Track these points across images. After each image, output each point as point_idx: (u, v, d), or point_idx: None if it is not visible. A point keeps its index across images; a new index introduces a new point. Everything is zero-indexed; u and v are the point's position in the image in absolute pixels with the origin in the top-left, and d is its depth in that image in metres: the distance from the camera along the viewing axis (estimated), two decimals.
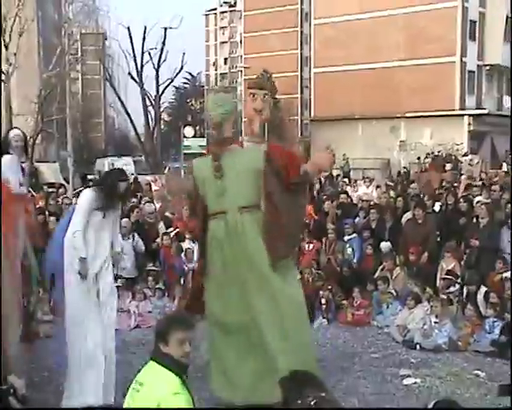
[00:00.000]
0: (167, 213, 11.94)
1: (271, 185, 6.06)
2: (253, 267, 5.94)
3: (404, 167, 28.19)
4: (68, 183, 25.86)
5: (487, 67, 40.81)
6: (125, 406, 3.70)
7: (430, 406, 3.07)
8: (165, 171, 31.61)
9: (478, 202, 11.40)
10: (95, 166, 41.92)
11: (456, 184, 15.76)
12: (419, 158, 29.87)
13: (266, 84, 6.66)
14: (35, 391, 6.07)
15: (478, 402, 6.36)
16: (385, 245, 10.81)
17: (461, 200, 11.52)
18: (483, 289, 9.19)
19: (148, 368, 3.79)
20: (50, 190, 17.17)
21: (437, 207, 11.98)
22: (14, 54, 29.80)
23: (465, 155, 30.02)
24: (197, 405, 3.79)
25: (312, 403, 2.79)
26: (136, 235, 10.40)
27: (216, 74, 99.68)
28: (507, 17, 39.11)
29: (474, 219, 10.63)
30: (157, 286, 9.97)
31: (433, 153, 29.68)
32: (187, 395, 3.66)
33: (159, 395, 3.57)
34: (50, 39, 46.15)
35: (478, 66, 40.18)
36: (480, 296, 9.04)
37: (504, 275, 9.35)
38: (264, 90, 6.54)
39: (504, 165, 25.25)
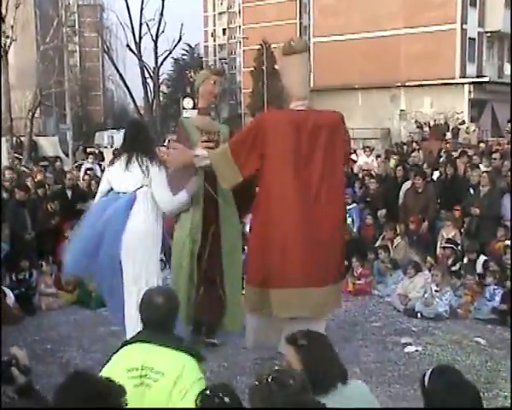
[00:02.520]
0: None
1: None
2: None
3: (410, 135, 27.86)
4: (68, 156, 25.82)
5: (488, 34, 40.48)
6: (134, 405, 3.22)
7: (428, 372, 3.08)
8: (165, 142, 31.54)
9: (482, 170, 11.38)
10: (94, 139, 41.86)
11: (455, 153, 15.72)
12: (419, 126, 29.76)
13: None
14: (38, 364, 6.12)
15: (479, 369, 6.40)
16: (380, 213, 10.84)
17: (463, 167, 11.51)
18: (482, 257, 9.23)
19: (153, 353, 3.51)
20: (42, 163, 17.19)
21: (435, 175, 11.98)
22: (11, 26, 29.55)
23: (462, 123, 29.89)
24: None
25: (270, 381, 2.78)
26: None
27: (214, 45, 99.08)
28: None
29: (474, 188, 10.62)
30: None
31: (431, 122, 29.55)
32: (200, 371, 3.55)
33: (188, 383, 3.37)
34: (47, 11, 45.66)
35: (478, 33, 39.84)
36: (478, 265, 9.09)
37: (506, 243, 9.37)
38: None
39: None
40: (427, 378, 3.07)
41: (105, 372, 3.39)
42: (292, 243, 5.77)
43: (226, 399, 2.91)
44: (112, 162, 6.26)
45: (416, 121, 29.60)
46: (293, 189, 5.79)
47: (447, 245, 9.73)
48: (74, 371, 2.86)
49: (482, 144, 17.07)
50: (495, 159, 12.07)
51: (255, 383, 2.83)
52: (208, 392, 2.96)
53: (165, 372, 3.39)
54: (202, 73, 7.75)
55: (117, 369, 3.44)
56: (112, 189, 6.03)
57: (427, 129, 27.42)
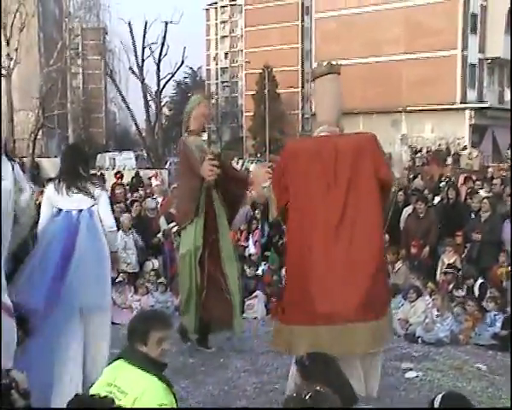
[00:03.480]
0: (171, 209, 11.96)
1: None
2: None
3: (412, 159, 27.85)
4: None
5: (488, 61, 40.78)
6: None
7: (438, 400, 3.08)
8: (167, 165, 31.61)
9: (481, 196, 11.42)
10: (96, 161, 41.95)
11: (455, 179, 15.78)
12: (420, 151, 29.85)
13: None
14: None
15: (479, 395, 6.38)
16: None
17: (464, 194, 11.54)
18: (479, 281, 9.23)
19: (119, 369, 3.62)
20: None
21: (436, 200, 12.01)
22: (16, 49, 29.79)
23: (464, 148, 30.00)
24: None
25: (307, 397, 2.76)
26: (133, 231, 10.42)
27: (217, 69, 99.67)
28: (509, 9, 39.03)
29: (475, 214, 10.65)
30: (159, 281, 9.99)
31: (431, 148, 29.65)
32: (171, 399, 3.57)
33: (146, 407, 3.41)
34: (51, 34, 46.15)
35: (479, 59, 40.16)
36: (475, 288, 9.11)
37: (509, 268, 9.40)
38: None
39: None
40: (436, 405, 3.07)
41: (96, 385, 3.60)
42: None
43: None
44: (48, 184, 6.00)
45: (410, 146, 29.65)
46: (312, 221, 5.42)
47: (448, 271, 9.73)
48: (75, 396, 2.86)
49: (490, 169, 17.10)
50: (495, 184, 12.10)
51: (293, 394, 2.82)
52: None
53: (128, 393, 3.46)
54: (196, 97, 8.25)
55: (102, 382, 3.61)
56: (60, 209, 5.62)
57: (425, 154, 27.50)
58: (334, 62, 5.75)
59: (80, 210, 5.50)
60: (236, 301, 7.62)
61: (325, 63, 5.80)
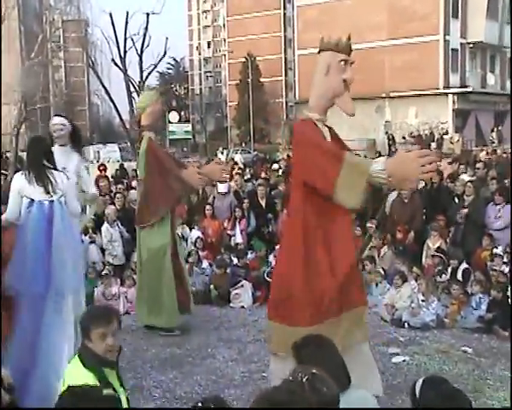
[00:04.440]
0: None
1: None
2: None
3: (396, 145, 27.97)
4: None
5: (470, 45, 40.90)
6: None
7: (419, 383, 3.09)
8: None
9: (464, 180, 11.48)
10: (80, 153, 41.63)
11: (440, 163, 15.83)
12: (404, 137, 29.94)
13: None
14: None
15: (466, 378, 6.43)
16: (369, 224, 10.87)
17: (447, 178, 11.58)
18: (463, 265, 9.29)
19: (72, 365, 3.70)
20: None
21: (420, 185, 12.02)
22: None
23: (445, 133, 30.12)
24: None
25: (304, 381, 2.73)
26: (118, 222, 10.41)
27: (200, 59, 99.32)
28: None
29: (459, 197, 10.72)
30: None
31: (418, 132, 29.75)
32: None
33: None
34: (32, 27, 45.67)
35: (461, 44, 40.26)
36: (459, 273, 9.16)
37: (495, 251, 9.45)
38: (351, 57, 5.22)
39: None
40: (418, 389, 3.08)
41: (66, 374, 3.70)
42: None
43: None
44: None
45: (391, 134, 29.73)
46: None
47: (436, 254, 9.77)
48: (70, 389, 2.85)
49: (483, 153, 17.12)
50: (479, 168, 12.17)
51: (289, 378, 2.78)
52: (200, 404, 2.96)
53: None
54: (152, 94, 8.60)
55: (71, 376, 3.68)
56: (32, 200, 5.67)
57: (411, 139, 27.58)
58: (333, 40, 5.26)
59: (51, 201, 5.61)
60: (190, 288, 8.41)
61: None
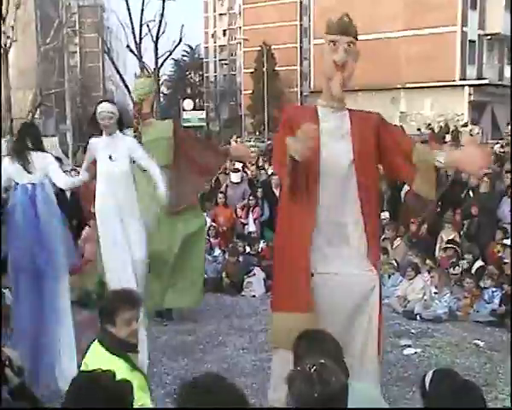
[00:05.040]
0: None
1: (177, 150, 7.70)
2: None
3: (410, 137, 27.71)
4: (68, 157, 25.82)
5: (488, 37, 40.52)
6: None
7: (429, 375, 3.08)
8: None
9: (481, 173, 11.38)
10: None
11: None
12: (419, 129, 29.77)
13: (352, 29, 5.15)
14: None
15: (477, 371, 6.41)
16: (383, 215, 10.84)
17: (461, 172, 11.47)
18: (478, 263, 9.23)
19: (93, 351, 3.64)
20: None
21: None
22: (12, 27, 29.58)
23: (465, 125, 29.91)
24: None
25: (312, 371, 2.71)
26: None
27: (215, 46, 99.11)
28: None
29: (473, 190, 10.65)
30: None
31: (429, 125, 29.54)
32: (135, 380, 3.46)
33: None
34: (48, 12, 45.71)
35: (479, 35, 39.90)
36: (474, 269, 9.11)
37: (505, 242, 9.40)
38: (348, 37, 5.05)
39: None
40: (428, 381, 3.07)
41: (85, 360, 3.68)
42: None
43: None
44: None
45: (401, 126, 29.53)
46: None
47: (449, 246, 9.73)
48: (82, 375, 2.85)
49: (497, 146, 16.92)
50: (494, 162, 12.07)
51: (297, 369, 2.75)
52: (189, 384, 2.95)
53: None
54: (152, 81, 8.45)
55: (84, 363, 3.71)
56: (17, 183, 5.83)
57: (426, 131, 27.41)
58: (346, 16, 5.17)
59: (33, 184, 5.71)
60: None
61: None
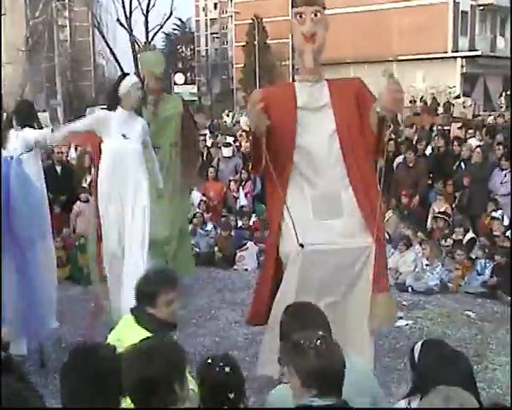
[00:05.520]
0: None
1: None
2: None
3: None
4: None
5: (481, 7, 40.29)
6: None
7: (418, 346, 3.09)
8: None
9: (471, 144, 11.39)
10: (85, 115, 41.54)
11: (447, 128, 15.71)
12: (411, 101, 29.70)
13: None
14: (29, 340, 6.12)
15: (468, 342, 6.45)
16: None
17: (454, 143, 11.49)
18: (469, 235, 9.26)
19: (129, 328, 3.57)
20: None
21: (428, 150, 11.97)
22: (0, 1, 29.24)
23: (457, 97, 29.81)
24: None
25: (318, 344, 2.67)
26: None
27: (206, 20, 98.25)
28: None
29: (465, 162, 10.66)
30: None
31: (423, 97, 29.45)
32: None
33: None
34: None
35: (471, 6, 39.66)
36: (464, 240, 9.15)
37: (494, 214, 9.42)
38: (314, 6, 4.89)
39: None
40: (416, 352, 3.08)
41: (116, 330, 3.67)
42: None
43: (227, 369, 2.91)
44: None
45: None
46: None
47: (439, 216, 9.74)
48: (78, 346, 2.82)
49: (490, 118, 16.92)
50: (486, 133, 12.08)
51: (300, 342, 2.72)
52: (209, 361, 2.96)
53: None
54: (162, 57, 8.22)
55: (113, 335, 3.61)
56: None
57: (419, 103, 27.32)
58: None
59: (11, 157, 5.77)
60: None
61: None
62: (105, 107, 6.30)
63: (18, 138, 6.20)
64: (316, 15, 4.87)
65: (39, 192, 6.02)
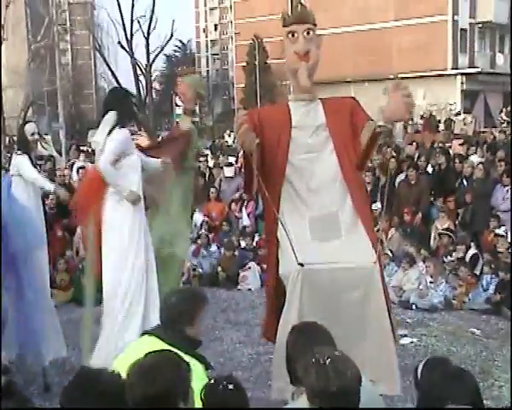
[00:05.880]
0: None
1: None
2: None
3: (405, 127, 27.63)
4: (61, 155, 25.74)
5: (479, 25, 40.49)
6: None
7: (422, 364, 3.08)
8: (159, 139, 31.44)
9: (473, 161, 11.40)
10: (87, 137, 41.67)
11: (448, 144, 15.74)
12: (412, 119, 29.75)
13: (309, 16, 5.02)
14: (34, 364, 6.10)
15: (474, 359, 6.43)
16: (375, 206, 10.84)
17: (456, 159, 11.50)
18: (471, 251, 9.24)
19: (156, 349, 3.30)
20: (39, 162, 17.04)
21: (430, 168, 11.98)
22: (2, 26, 29.44)
23: (458, 114, 29.88)
24: None
25: (327, 362, 2.63)
26: None
27: (206, 41, 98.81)
28: None
29: (467, 179, 10.66)
30: None
31: (424, 114, 29.51)
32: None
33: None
34: (38, 10, 45.51)
35: (470, 24, 39.86)
36: (467, 257, 9.12)
37: (497, 231, 9.40)
38: (306, 25, 4.94)
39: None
40: (420, 370, 3.07)
41: (117, 361, 3.46)
42: None
43: (230, 386, 2.89)
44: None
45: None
46: None
47: (444, 232, 9.73)
48: (81, 370, 2.81)
49: (491, 134, 16.91)
50: (487, 149, 12.10)
51: (312, 360, 2.67)
52: (213, 381, 2.94)
53: None
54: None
55: (129, 357, 3.39)
56: None
57: (420, 121, 27.38)
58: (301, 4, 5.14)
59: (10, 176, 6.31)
60: None
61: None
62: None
63: (15, 161, 6.71)
64: (308, 33, 4.88)
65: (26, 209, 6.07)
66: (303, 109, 5.00)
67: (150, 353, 2.83)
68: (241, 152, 5.03)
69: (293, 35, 4.90)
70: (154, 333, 3.57)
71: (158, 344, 3.41)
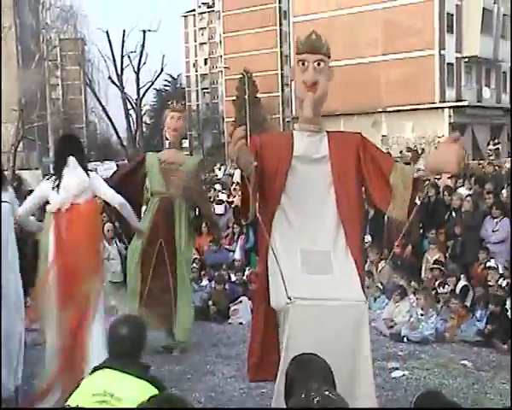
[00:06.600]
0: None
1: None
2: None
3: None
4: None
5: (466, 59, 41.08)
6: None
7: (415, 398, 3.09)
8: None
9: (461, 194, 11.47)
10: None
11: (437, 177, 15.82)
12: (401, 152, 30.00)
13: (322, 47, 4.93)
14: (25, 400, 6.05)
15: (465, 392, 6.41)
16: (365, 239, 10.87)
17: (445, 192, 11.57)
18: (461, 282, 9.27)
19: (116, 379, 3.52)
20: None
21: (418, 200, 12.03)
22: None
23: None
24: None
25: (315, 401, 2.66)
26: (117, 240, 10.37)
27: (196, 75, 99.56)
28: (483, 9, 39.46)
29: (456, 211, 10.72)
30: None
31: (415, 147, 29.81)
32: None
33: None
34: (29, 46, 45.87)
35: (456, 58, 40.44)
36: (457, 289, 9.14)
37: (489, 264, 9.44)
38: (317, 55, 4.89)
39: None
40: (413, 405, 3.08)
41: (73, 396, 3.51)
42: None
43: None
44: None
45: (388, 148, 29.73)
46: None
47: (435, 266, 9.76)
48: None
49: (478, 166, 17.03)
50: (476, 182, 12.19)
51: (301, 396, 2.69)
52: None
53: (123, 399, 3.39)
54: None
55: (83, 394, 3.52)
56: None
57: (408, 153, 27.64)
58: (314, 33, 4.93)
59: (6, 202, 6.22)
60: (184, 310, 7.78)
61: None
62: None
63: None
64: (319, 64, 4.83)
65: None
66: (307, 140, 4.94)
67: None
68: (239, 174, 5.04)
69: (303, 64, 4.85)
70: (105, 366, 3.63)
71: (112, 375, 3.52)
